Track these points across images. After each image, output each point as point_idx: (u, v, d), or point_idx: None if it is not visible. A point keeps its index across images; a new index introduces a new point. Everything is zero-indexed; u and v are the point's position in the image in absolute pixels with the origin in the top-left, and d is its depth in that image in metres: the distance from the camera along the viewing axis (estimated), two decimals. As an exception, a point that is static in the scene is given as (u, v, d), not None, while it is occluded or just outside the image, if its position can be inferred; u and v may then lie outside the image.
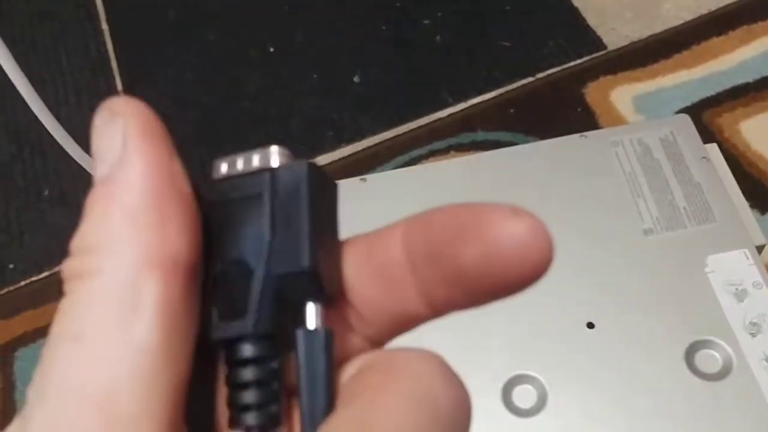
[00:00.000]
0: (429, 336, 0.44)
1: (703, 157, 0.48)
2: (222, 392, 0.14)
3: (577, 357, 0.41)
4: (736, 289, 0.42)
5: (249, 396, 0.14)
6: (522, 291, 0.14)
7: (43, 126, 0.65)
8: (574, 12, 0.65)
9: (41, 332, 0.50)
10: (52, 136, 0.64)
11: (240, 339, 0.14)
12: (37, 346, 0.51)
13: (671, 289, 0.42)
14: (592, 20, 0.65)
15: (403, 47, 0.65)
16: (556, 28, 0.64)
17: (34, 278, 0.55)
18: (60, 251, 0.58)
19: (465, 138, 0.58)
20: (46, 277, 0.55)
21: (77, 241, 0.13)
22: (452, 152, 0.58)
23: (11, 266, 0.56)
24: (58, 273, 0.55)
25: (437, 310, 0.15)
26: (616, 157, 0.49)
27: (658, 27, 0.63)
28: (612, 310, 0.42)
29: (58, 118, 0.65)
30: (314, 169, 0.14)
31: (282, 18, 0.68)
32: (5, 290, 0.55)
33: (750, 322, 0.41)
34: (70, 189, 0.59)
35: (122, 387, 0.12)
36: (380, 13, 0.68)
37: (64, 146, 0.33)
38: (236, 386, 0.14)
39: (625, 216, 0.46)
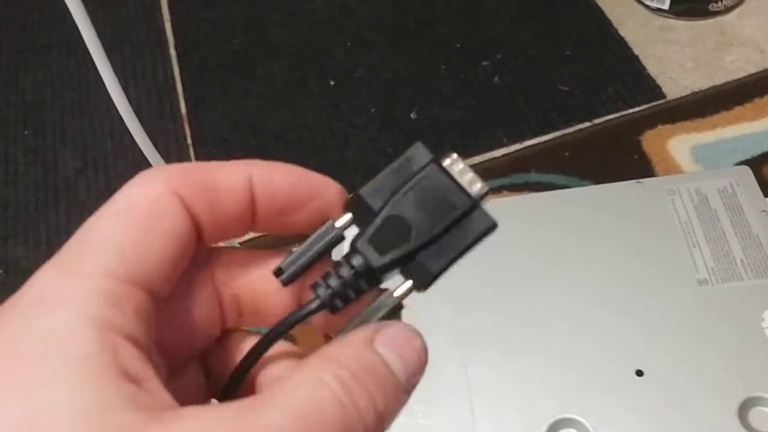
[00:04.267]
0: (477, 373, 0.44)
1: (764, 211, 0.47)
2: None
3: (624, 404, 0.40)
4: (794, 346, 0.41)
5: (333, 281, 0.19)
6: None
7: (108, 143, 0.67)
8: (634, 60, 0.65)
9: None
10: (116, 153, 0.66)
11: (363, 254, 0.19)
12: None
13: (725, 342, 0.41)
14: (652, 69, 0.64)
15: (461, 86, 0.66)
16: (616, 75, 0.64)
17: (88, 290, 0.56)
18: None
19: (518, 178, 0.59)
20: (100, 289, 0.56)
21: None
22: (505, 192, 0.58)
23: (68, 277, 0.57)
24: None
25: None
26: (672, 205, 0.48)
27: (720, 78, 0.63)
28: (662, 359, 0.41)
29: (122, 139, 0.68)
30: (493, 227, 0.19)
31: (344, 53, 0.70)
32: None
33: (807, 382, 0.40)
34: (130, 206, 0.60)
35: None
36: (440, 53, 0.69)
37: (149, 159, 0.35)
38: (332, 273, 0.19)
39: (680, 265, 0.45)
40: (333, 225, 0.20)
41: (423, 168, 0.19)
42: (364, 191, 0.19)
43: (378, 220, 0.19)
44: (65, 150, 0.66)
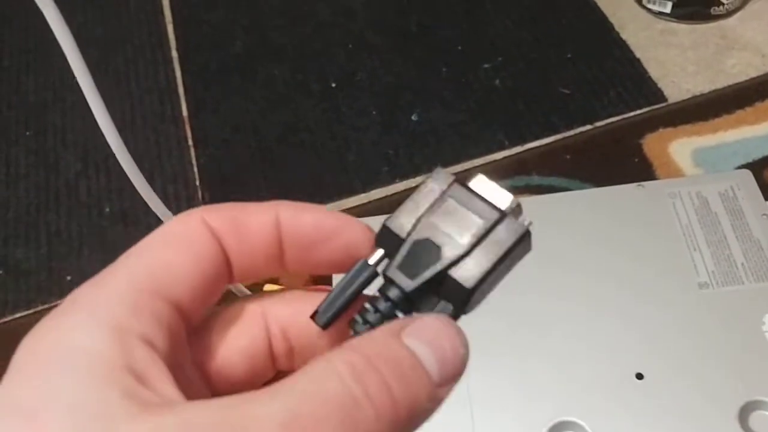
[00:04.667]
0: (477, 376, 0.44)
1: (764, 214, 0.47)
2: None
3: (624, 407, 0.40)
4: (795, 350, 0.41)
5: (370, 316, 0.19)
6: None
7: (110, 147, 0.67)
8: (636, 63, 0.65)
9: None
10: (117, 157, 0.66)
11: (395, 283, 0.19)
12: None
13: (726, 346, 0.41)
14: (653, 72, 0.64)
15: (462, 89, 0.66)
16: (617, 78, 0.64)
17: (89, 292, 0.56)
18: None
19: (519, 181, 0.59)
20: (100, 291, 0.56)
21: None
22: (506, 194, 0.58)
23: (69, 278, 0.57)
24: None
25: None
26: (673, 208, 0.48)
27: (722, 82, 0.63)
28: (662, 363, 0.41)
29: (125, 140, 0.68)
30: (527, 235, 0.18)
31: (345, 55, 0.70)
32: (62, 300, 0.56)
33: (808, 386, 0.40)
34: (131, 208, 0.60)
35: None
36: (441, 55, 0.69)
37: (127, 173, 0.35)
38: (368, 307, 0.19)
39: (680, 268, 0.45)
40: (366, 263, 0.19)
41: (446, 189, 0.19)
42: (390, 222, 0.19)
43: (406, 246, 0.19)
44: (66, 152, 0.66)
